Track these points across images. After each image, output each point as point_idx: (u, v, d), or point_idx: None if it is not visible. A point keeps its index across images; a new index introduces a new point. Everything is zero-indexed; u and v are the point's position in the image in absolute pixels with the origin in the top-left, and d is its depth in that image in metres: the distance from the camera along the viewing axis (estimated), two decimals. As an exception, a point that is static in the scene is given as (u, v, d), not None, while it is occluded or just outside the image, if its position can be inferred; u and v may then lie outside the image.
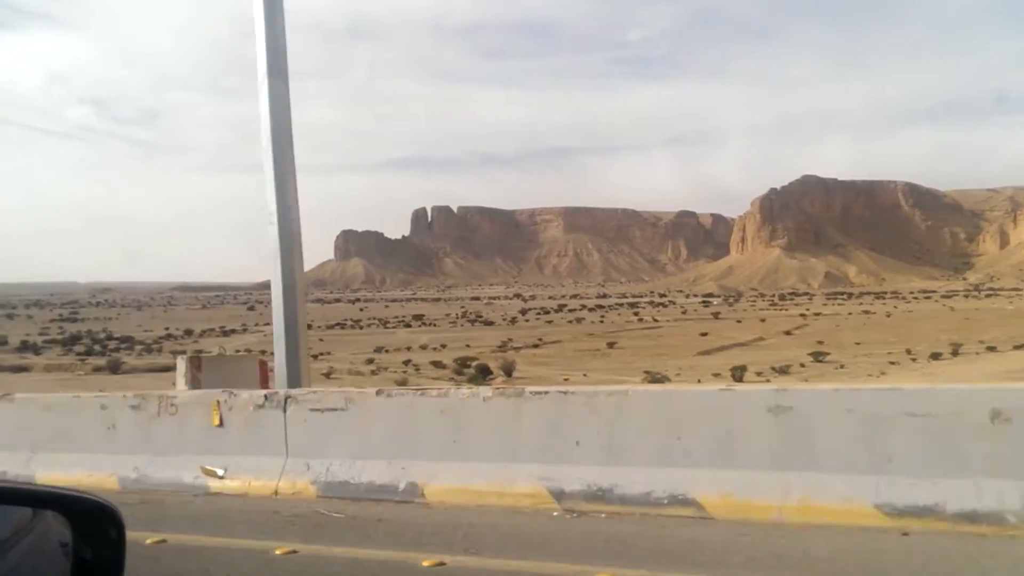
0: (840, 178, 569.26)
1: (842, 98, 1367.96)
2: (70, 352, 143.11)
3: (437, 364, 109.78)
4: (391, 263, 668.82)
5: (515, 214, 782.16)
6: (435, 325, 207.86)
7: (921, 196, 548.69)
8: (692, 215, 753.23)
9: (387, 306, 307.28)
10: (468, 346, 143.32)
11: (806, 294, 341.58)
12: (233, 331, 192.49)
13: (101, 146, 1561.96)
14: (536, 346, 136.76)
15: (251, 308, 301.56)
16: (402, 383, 70.90)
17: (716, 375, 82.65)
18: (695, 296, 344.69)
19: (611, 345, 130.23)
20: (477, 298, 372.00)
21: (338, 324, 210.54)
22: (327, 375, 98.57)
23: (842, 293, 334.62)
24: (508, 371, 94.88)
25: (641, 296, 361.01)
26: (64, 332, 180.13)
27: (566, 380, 68.91)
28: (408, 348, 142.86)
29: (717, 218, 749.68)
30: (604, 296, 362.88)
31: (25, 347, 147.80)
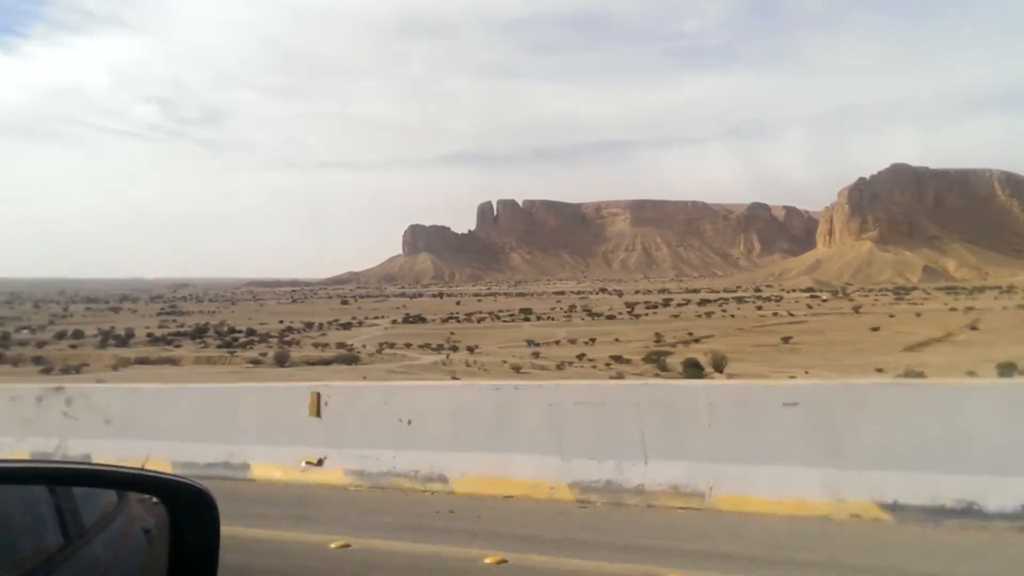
0: (931, 167, 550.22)
1: (907, 86, 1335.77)
2: (203, 345, 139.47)
3: (617, 359, 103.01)
4: (459, 258, 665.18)
5: (580, 208, 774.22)
6: (552, 319, 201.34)
7: (1019, 185, 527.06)
8: (764, 207, 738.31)
9: (480, 300, 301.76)
10: (617, 340, 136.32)
11: (915, 288, 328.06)
12: (349, 325, 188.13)
13: (166, 144, 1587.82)
14: (696, 341, 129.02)
15: (344, 302, 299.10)
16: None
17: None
18: (794, 291, 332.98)
19: (786, 340, 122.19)
20: (562, 292, 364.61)
21: (451, 318, 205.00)
22: (517, 369, 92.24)
23: (953, 288, 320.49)
24: (719, 367, 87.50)
25: (732, 291, 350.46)
26: (182, 325, 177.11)
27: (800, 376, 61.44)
28: (556, 342, 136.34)
29: (791, 210, 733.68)
30: (694, 291, 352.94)
31: (155, 340, 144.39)
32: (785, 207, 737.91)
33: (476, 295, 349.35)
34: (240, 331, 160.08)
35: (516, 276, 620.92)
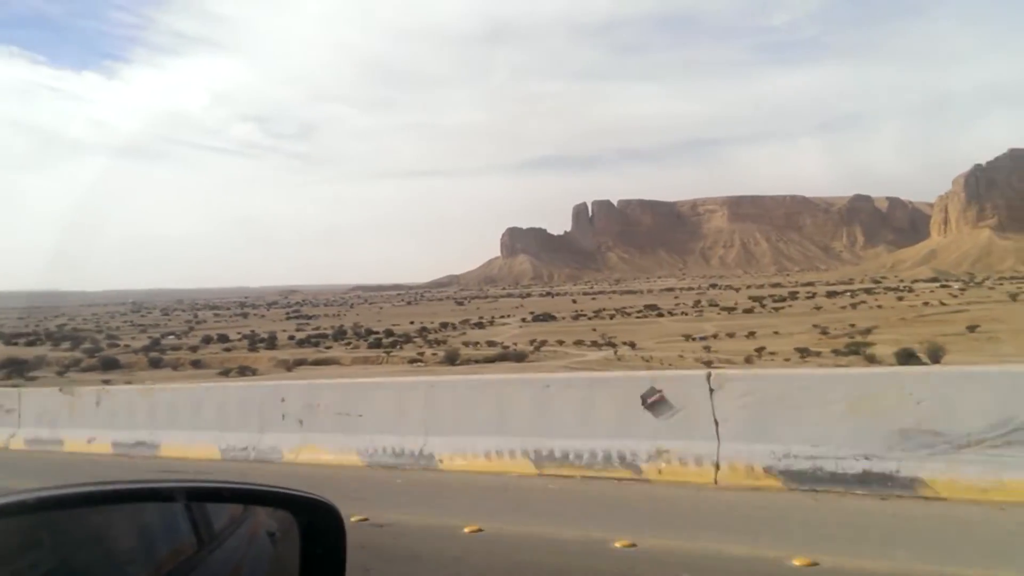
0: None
1: (1010, 70, 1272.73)
2: (348, 345, 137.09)
3: (803, 351, 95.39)
4: (556, 259, 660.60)
5: (675, 206, 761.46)
6: (684, 314, 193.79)
7: None
8: (867, 199, 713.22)
9: (594, 298, 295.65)
10: (777, 333, 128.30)
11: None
12: (481, 324, 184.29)
13: (263, 160, 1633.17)
14: (867, 332, 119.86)
15: (461, 303, 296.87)
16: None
17: None
18: (918, 281, 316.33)
19: (971, 329, 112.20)
20: (671, 289, 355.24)
21: (580, 316, 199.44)
22: (709, 363, 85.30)
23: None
24: (936, 357, 79.09)
25: (847, 283, 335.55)
26: (317, 328, 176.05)
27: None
28: (714, 336, 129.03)
29: (894, 201, 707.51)
30: (808, 284, 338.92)
31: (300, 343, 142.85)
32: (888, 198, 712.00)
33: (585, 294, 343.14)
34: (377, 332, 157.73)
35: (614, 275, 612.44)
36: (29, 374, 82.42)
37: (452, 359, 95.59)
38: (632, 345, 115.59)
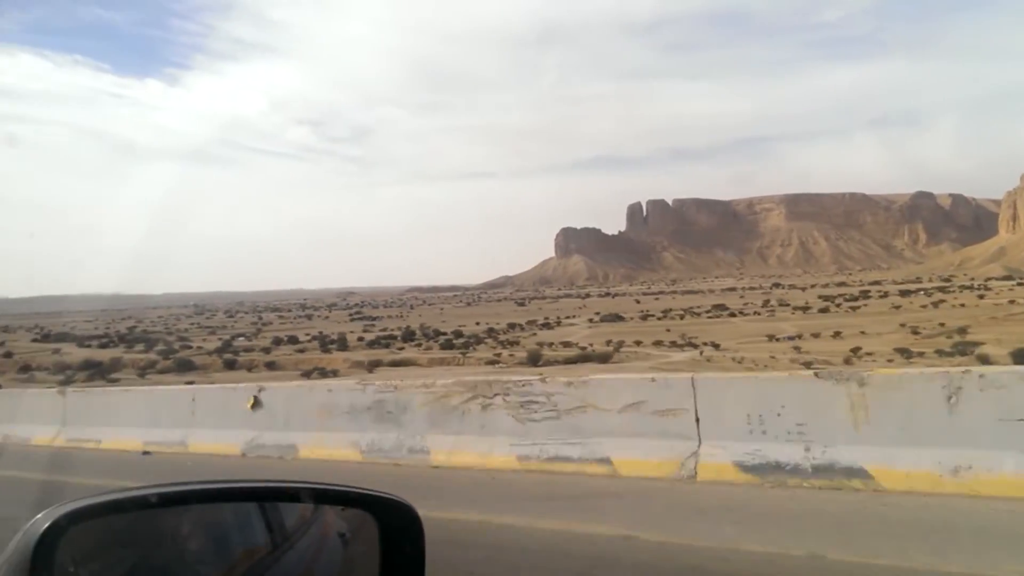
0: None
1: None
2: (419, 346, 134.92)
3: (903, 351, 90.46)
4: (611, 259, 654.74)
5: (731, 204, 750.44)
6: (757, 313, 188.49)
7: None
8: (929, 196, 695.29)
9: (657, 298, 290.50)
10: (863, 333, 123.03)
11: None
12: (548, 324, 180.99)
13: (317, 164, 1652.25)
14: (962, 331, 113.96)
15: (521, 304, 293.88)
16: None
17: None
18: (990, 279, 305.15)
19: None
20: (733, 289, 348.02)
21: (648, 316, 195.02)
22: (808, 366, 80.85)
23: None
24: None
25: (915, 281, 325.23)
26: (384, 329, 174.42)
27: None
28: (799, 336, 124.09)
29: (957, 198, 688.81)
30: (876, 283, 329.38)
31: (370, 344, 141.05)
32: (951, 195, 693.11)
33: (645, 294, 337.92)
34: (445, 333, 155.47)
35: (670, 275, 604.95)
36: (110, 376, 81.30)
37: (534, 360, 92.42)
38: (716, 346, 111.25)
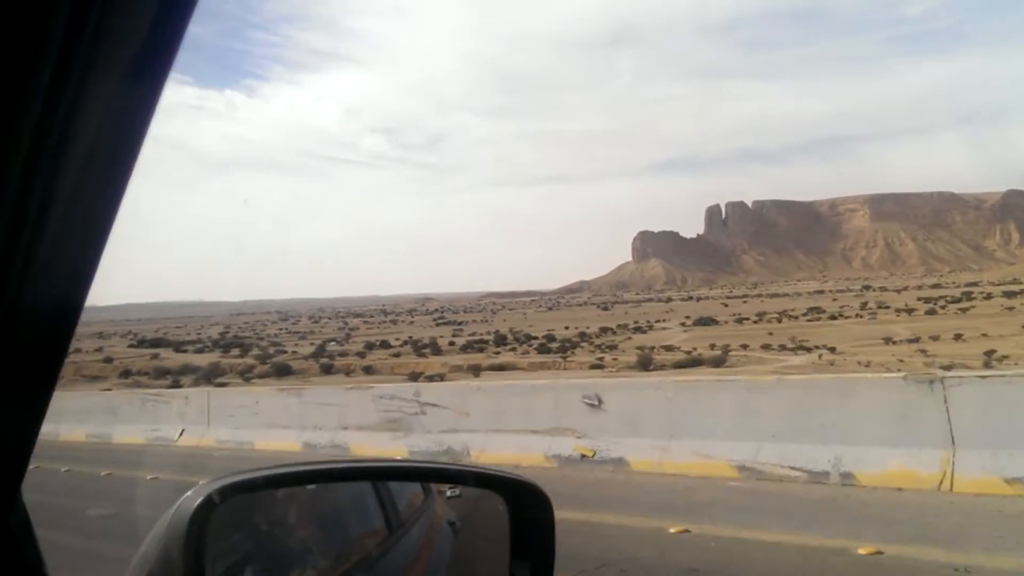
0: None
1: None
2: (514, 351, 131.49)
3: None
4: (689, 262, 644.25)
5: (813, 205, 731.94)
6: (859, 316, 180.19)
7: None
8: (1022, 194, 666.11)
9: (745, 301, 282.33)
10: (985, 336, 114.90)
11: None
12: (639, 329, 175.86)
13: (391, 171, 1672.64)
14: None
15: (605, 308, 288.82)
16: None
17: None
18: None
19: None
20: (821, 291, 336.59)
21: (743, 319, 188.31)
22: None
23: None
24: None
25: (1015, 282, 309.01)
26: (473, 333, 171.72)
27: None
28: (917, 339, 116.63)
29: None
30: (973, 284, 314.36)
31: (463, 348, 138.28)
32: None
33: (729, 297, 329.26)
34: (536, 337, 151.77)
35: (750, 278, 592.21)
36: (216, 380, 79.60)
37: (645, 364, 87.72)
38: (831, 349, 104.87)
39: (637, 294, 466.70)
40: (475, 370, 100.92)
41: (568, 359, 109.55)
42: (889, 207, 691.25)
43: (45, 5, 0.57)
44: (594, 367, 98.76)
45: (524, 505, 1.68)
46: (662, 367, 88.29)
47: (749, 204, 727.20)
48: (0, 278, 0.70)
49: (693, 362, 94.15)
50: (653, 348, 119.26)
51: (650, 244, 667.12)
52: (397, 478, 1.96)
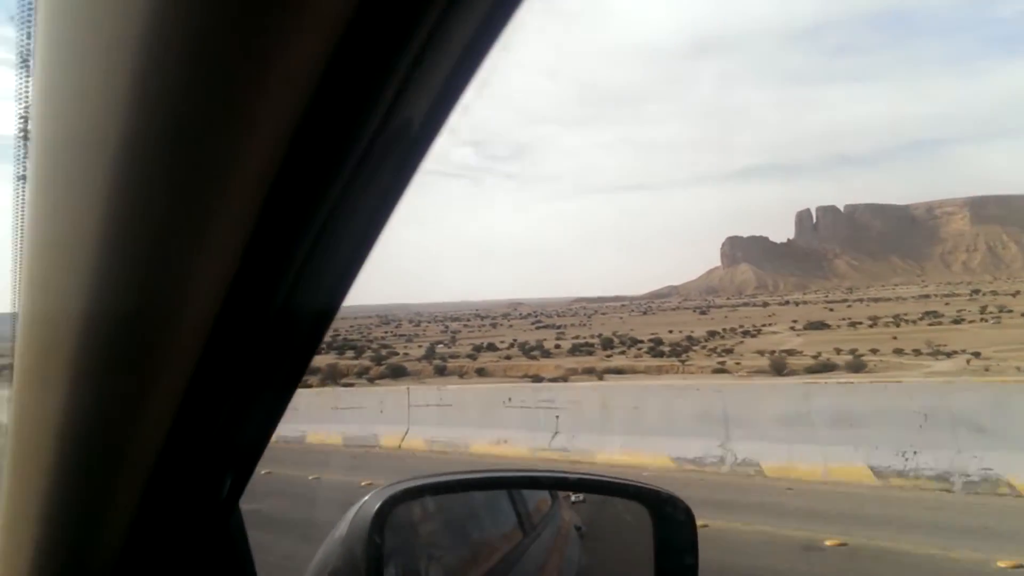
0: None
1: None
2: (626, 354, 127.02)
3: None
4: (780, 267, 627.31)
5: (909, 209, 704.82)
6: (984, 320, 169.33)
7: None
8: None
9: (850, 306, 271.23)
10: None
11: None
12: (747, 333, 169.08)
13: (479, 181, 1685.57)
14: None
15: (704, 312, 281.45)
16: None
17: None
18: None
19: None
20: (926, 295, 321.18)
21: (854, 323, 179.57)
22: None
23: None
24: None
25: None
26: (576, 337, 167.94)
27: None
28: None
29: None
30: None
31: (573, 351, 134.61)
32: None
33: (829, 302, 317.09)
34: (642, 341, 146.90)
35: (843, 283, 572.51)
36: (342, 381, 77.49)
37: (779, 368, 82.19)
38: (976, 354, 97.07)
39: (728, 299, 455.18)
40: (592, 373, 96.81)
41: (686, 363, 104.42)
42: (991, 209, 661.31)
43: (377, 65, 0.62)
44: (716, 371, 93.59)
45: (666, 517, 1.67)
46: (792, 372, 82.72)
47: (841, 208, 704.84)
48: (276, 288, 0.76)
49: (824, 367, 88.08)
50: (774, 352, 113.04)
51: (739, 249, 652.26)
52: (553, 487, 1.98)
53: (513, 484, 1.92)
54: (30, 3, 0.69)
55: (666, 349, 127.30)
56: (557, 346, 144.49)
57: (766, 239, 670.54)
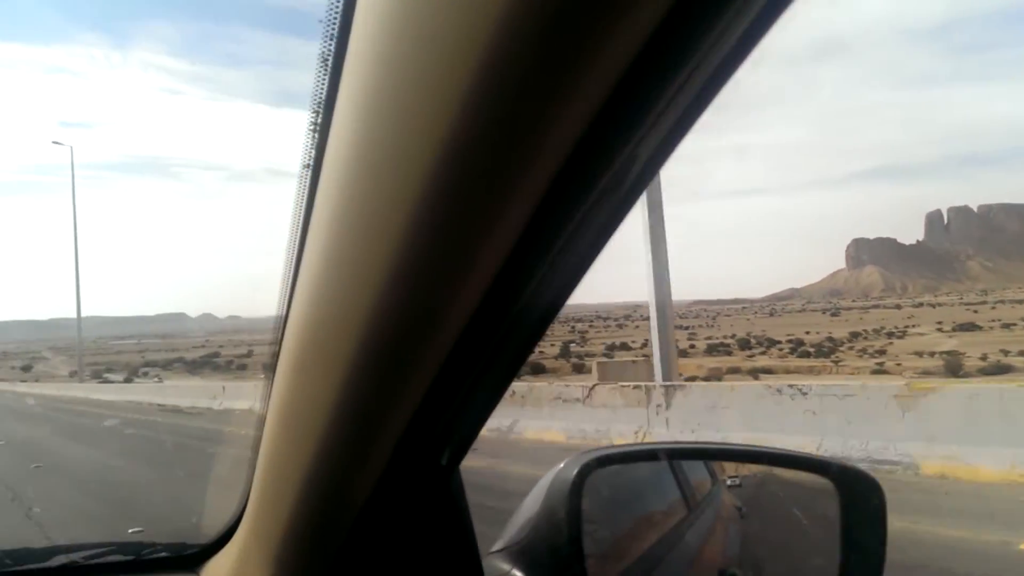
0: None
1: None
2: (765, 354, 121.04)
3: None
4: (908, 269, 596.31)
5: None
6: None
7: None
8: None
9: (994, 307, 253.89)
10: None
11: None
12: (891, 334, 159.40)
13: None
14: None
15: (835, 314, 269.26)
16: None
17: None
18: None
19: None
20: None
21: (1008, 325, 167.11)
22: None
23: None
24: None
25: None
26: (709, 338, 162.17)
27: None
28: None
29: None
30: None
31: (708, 351, 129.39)
32: None
33: (968, 304, 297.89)
34: (779, 341, 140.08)
35: (976, 285, 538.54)
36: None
37: (954, 370, 75.27)
38: None
39: (854, 301, 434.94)
40: (738, 372, 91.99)
41: (839, 364, 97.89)
42: None
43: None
44: (875, 372, 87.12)
45: (856, 495, 1.61)
46: (967, 374, 75.63)
47: (974, 208, 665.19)
48: (524, 288, 0.80)
49: (997, 368, 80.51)
50: (933, 353, 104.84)
51: (865, 251, 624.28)
52: (738, 459, 1.96)
53: (703, 455, 1.92)
54: (339, 8, 0.73)
55: (810, 350, 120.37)
56: (692, 346, 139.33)
57: (894, 241, 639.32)
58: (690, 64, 0.62)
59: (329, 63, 0.76)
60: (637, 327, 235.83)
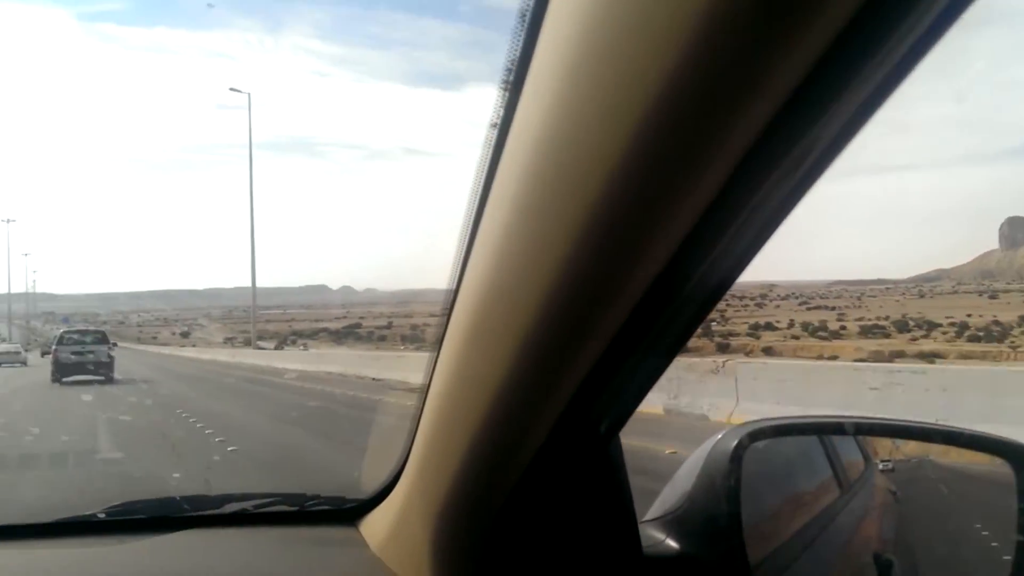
0: None
1: None
2: (928, 337, 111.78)
3: None
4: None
5: None
6: None
7: None
8: None
9: None
10: None
11: None
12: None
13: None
14: None
15: (992, 297, 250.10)
16: None
17: None
18: None
19: None
20: None
21: None
22: None
23: None
24: None
25: None
26: (860, 319, 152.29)
27: None
28: None
29: None
30: None
31: (863, 332, 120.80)
32: None
33: None
34: (940, 324, 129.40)
35: None
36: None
37: None
38: None
39: (1009, 283, 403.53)
40: (903, 356, 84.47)
41: (1017, 349, 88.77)
42: None
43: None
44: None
45: None
46: None
47: None
48: (697, 268, 0.81)
49: None
50: None
51: (1020, 230, 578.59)
52: (909, 436, 1.85)
53: (868, 431, 1.85)
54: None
55: (979, 334, 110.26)
56: (843, 327, 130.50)
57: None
58: (882, 51, 0.62)
59: (527, 19, 0.74)
60: (778, 307, 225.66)
